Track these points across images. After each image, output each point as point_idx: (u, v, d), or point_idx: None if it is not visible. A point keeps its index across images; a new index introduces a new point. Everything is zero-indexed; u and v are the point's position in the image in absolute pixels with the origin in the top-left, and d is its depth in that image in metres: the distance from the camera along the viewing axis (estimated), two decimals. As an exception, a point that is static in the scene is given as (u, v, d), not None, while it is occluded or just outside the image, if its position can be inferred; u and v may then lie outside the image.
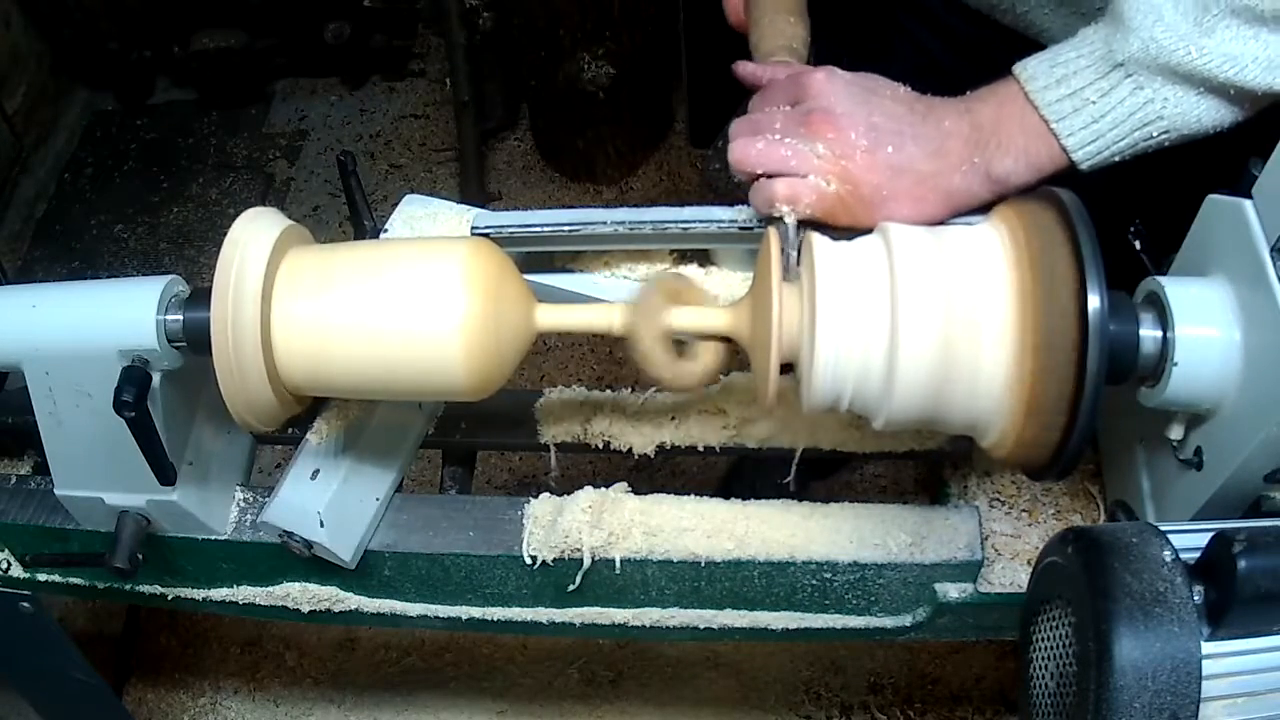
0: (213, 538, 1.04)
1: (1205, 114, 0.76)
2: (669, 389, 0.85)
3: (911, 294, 0.73)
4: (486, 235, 0.93)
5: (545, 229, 0.93)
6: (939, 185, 0.81)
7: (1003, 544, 1.01)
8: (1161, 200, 1.18)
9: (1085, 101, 0.77)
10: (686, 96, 2.61)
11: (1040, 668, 0.73)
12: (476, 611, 1.07)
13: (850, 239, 0.79)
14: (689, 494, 1.02)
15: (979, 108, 0.81)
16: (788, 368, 0.77)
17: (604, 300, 0.93)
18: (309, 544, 0.98)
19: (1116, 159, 0.80)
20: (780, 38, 0.92)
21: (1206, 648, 0.62)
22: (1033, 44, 0.99)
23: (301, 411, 0.89)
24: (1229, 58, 0.72)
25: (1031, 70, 0.80)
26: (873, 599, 1.01)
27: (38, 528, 1.07)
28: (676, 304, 0.81)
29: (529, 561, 1.00)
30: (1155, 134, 0.78)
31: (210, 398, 0.91)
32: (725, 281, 0.96)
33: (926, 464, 1.14)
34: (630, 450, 1.10)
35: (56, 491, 0.99)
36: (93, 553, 0.99)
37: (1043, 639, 0.73)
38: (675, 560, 0.99)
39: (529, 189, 2.61)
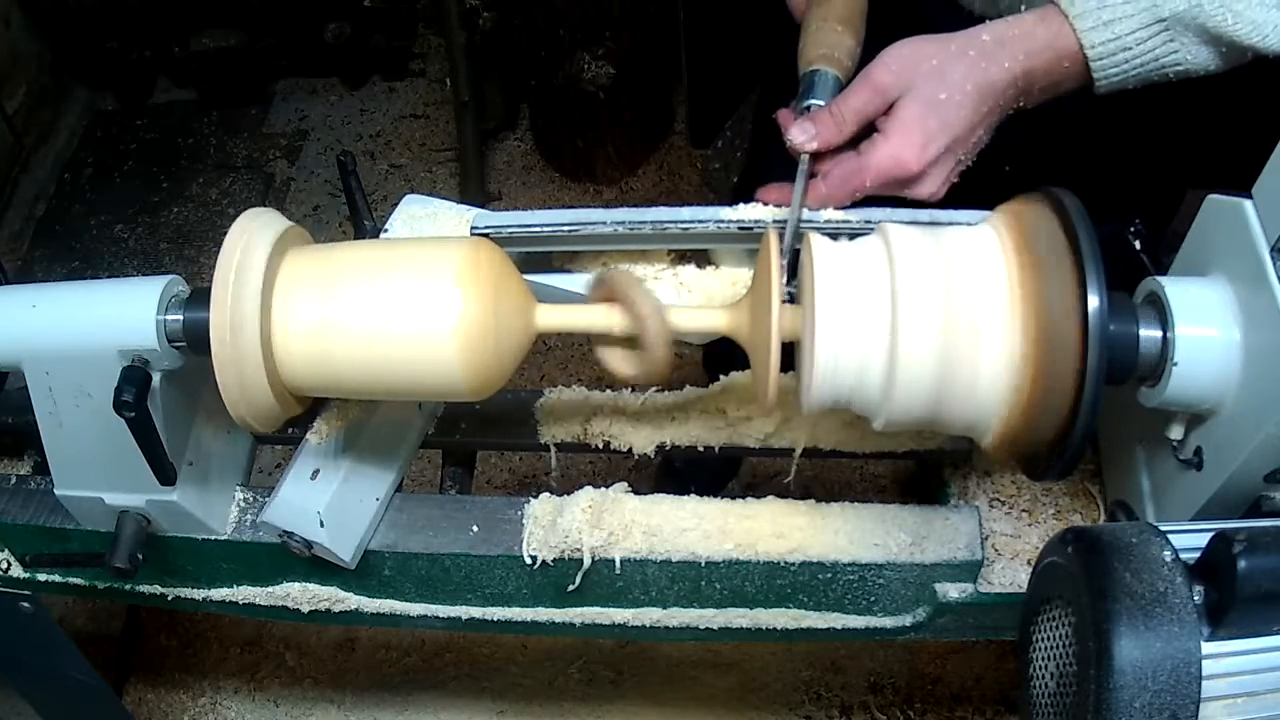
0: (213, 538, 1.04)
1: (1210, 64, 0.84)
2: (633, 382, 0.88)
3: (911, 295, 0.73)
4: (486, 235, 0.93)
5: (545, 229, 0.93)
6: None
7: (1003, 544, 1.01)
8: (1161, 200, 1.18)
9: (1123, 46, 0.83)
10: (686, 96, 2.61)
11: (1040, 668, 0.73)
12: (476, 611, 1.07)
13: (850, 239, 0.80)
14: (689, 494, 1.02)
15: (1035, 66, 0.85)
16: (788, 367, 0.77)
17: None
18: (309, 544, 0.98)
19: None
20: (822, 46, 0.91)
21: (1206, 648, 0.62)
22: None
23: (301, 412, 0.89)
24: (1255, 25, 0.80)
25: (1080, 8, 0.84)
26: (873, 599, 1.01)
27: (38, 528, 1.07)
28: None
29: (529, 561, 1.00)
30: (1167, 75, 0.85)
31: (210, 398, 0.91)
32: (725, 281, 0.96)
33: (926, 464, 1.14)
34: (630, 450, 1.10)
35: (56, 491, 0.99)
36: (93, 553, 0.99)
37: (1043, 639, 0.73)
38: (675, 560, 0.99)
39: (529, 189, 2.61)
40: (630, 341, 0.84)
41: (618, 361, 0.85)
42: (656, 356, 0.81)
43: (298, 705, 1.88)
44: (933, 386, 0.74)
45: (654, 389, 1.11)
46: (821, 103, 0.89)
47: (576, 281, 0.98)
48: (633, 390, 1.12)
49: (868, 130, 0.87)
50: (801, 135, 0.87)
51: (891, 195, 0.88)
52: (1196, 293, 0.80)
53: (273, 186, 2.72)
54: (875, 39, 0.93)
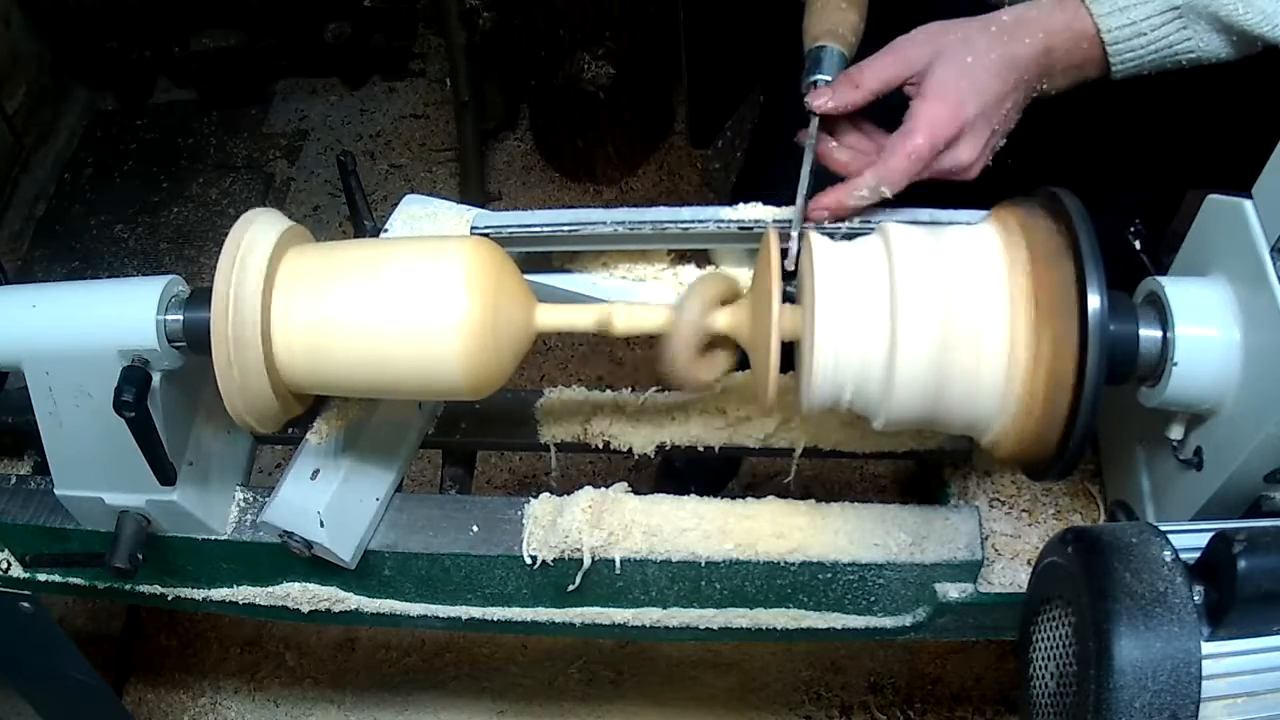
0: (213, 538, 1.04)
1: (1222, 51, 0.85)
2: (685, 389, 0.86)
3: (911, 295, 0.73)
4: (486, 235, 0.93)
5: (545, 229, 0.93)
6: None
7: (1003, 544, 1.01)
8: (1161, 199, 1.18)
9: (1139, 32, 0.85)
10: (686, 96, 2.61)
11: (1040, 668, 0.73)
12: (476, 611, 1.07)
13: (850, 239, 0.80)
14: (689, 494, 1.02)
15: (1055, 45, 0.86)
16: (788, 367, 0.77)
17: (603, 300, 0.93)
18: (309, 544, 0.98)
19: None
20: (827, 23, 0.92)
21: (1206, 648, 0.62)
22: None
23: (301, 412, 0.89)
24: (1265, 14, 0.82)
25: None
26: (873, 599, 1.01)
27: (38, 528, 1.07)
28: (719, 304, 0.82)
29: (529, 561, 1.00)
30: (1180, 63, 0.86)
31: (210, 398, 0.91)
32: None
33: (926, 464, 1.14)
34: (630, 450, 1.10)
35: (56, 491, 0.99)
36: (93, 553, 0.99)
37: (1043, 639, 0.73)
38: (675, 560, 0.99)
39: (529, 189, 2.61)
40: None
41: (689, 364, 0.82)
42: (668, 366, 0.81)
43: (298, 705, 1.88)
44: (932, 386, 0.74)
45: (654, 389, 1.12)
46: (828, 78, 0.90)
47: (576, 281, 0.98)
48: (632, 390, 1.12)
49: (894, 123, 0.87)
50: (819, 99, 0.88)
51: (930, 181, 0.88)
52: (1196, 293, 0.80)
53: (273, 186, 2.72)
54: (880, 20, 0.93)
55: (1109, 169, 1.08)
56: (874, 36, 0.92)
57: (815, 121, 0.88)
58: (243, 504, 1.06)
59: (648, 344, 2.23)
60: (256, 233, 0.81)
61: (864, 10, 0.94)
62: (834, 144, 0.90)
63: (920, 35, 0.87)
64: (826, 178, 0.89)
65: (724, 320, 0.82)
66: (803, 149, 0.90)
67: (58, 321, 0.88)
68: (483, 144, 2.59)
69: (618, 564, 0.99)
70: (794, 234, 0.85)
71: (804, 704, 1.82)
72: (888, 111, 0.88)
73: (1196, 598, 0.64)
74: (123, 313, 0.86)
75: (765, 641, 1.08)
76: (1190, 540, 0.67)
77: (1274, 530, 0.66)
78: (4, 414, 1.16)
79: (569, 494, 1.01)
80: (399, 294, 0.79)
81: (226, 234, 0.81)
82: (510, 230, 0.94)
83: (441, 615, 1.08)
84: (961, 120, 0.84)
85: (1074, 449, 0.72)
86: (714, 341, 0.83)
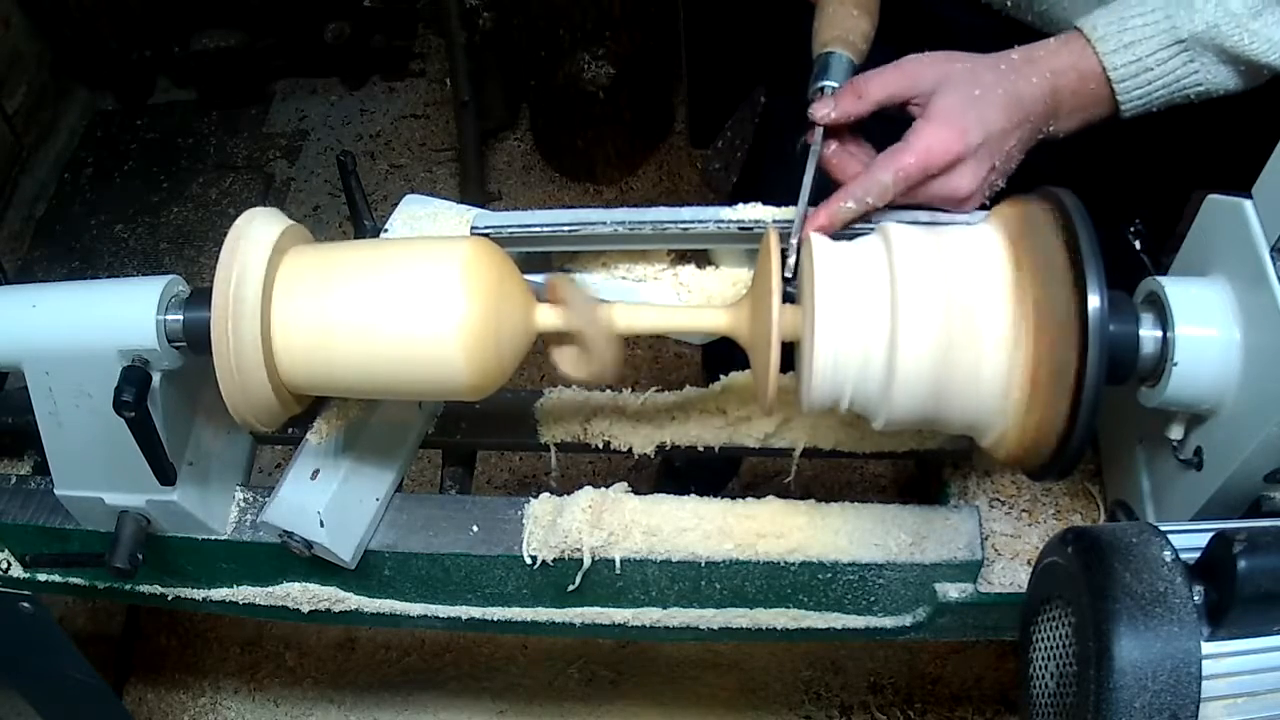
0: (213, 538, 1.04)
1: (1230, 82, 0.86)
2: (574, 382, 0.88)
3: (911, 295, 0.73)
4: (486, 235, 0.93)
5: (545, 229, 0.93)
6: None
7: (1003, 544, 1.01)
8: (1161, 200, 1.18)
9: (1144, 68, 0.84)
10: (686, 96, 2.62)
11: (1040, 668, 0.73)
12: (476, 611, 1.07)
13: (850, 239, 0.80)
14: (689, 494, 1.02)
15: (1062, 85, 0.86)
16: (788, 367, 0.77)
17: (603, 300, 0.93)
18: (309, 544, 0.98)
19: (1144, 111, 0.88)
20: (838, 28, 0.92)
21: (1206, 648, 0.62)
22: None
23: (301, 411, 0.89)
24: (1272, 43, 0.82)
25: (1102, 31, 0.84)
26: (873, 599, 1.01)
27: (38, 528, 1.07)
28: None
29: (529, 561, 1.00)
30: (1189, 97, 0.86)
31: (210, 398, 0.91)
32: (725, 281, 0.96)
33: (927, 464, 1.14)
34: (630, 450, 1.10)
35: (56, 491, 0.99)
36: (93, 553, 0.99)
37: (1043, 639, 0.73)
38: (675, 560, 0.99)
39: (529, 189, 2.61)
40: (582, 344, 0.84)
41: (568, 363, 0.86)
42: (603, 360, 0.83)
43: (298, 705, 1.88)
44: (932, 386, 0.74)
45: (654, 389, 1.12)
46: (835, 84, 0.90)
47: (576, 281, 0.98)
48: (633, 390, 1.12)
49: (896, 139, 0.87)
50: (822, 109, 0.88)
51: (924, 206, 0.87)
52: (1196, 293, 0.80)
53: (273, 186, 2.72)
54: (891, 26, 0.93)
55: (1111, 180, 1.08)
56: (885, 48, 0.92)
57: (820, 131, 0.88)
58: (243, 504, 1.06)
59: (648, 344, 2.24)
60: (256, 232, 0.81)
61: (875, 18, 0.94)
62: (835, 146, 0.89)
63: (928, 58, 0.87)
64: (829, 185, 0.89)
65: (723, 320, 0.82)
66: (801, 154, 0.89)
67: (58, 321, 0.88)
68: (483, 144, 2.59)
69: (618, 564, 0.99)
70: (793, 241, 0.84)
71: (804, 704, 1.81)
72: (892, 127, 0.88)
73: (1196, 598, 0.64)
74: (123, 313, 0.86)
75: (765, 641, 1.08)
76: (1190, 540, 0.67)
77: (1274, 530, 0.66)
78: (4, 414, 1.16)
79: (569, 494, 1.01)
80: (399, 294, 0.79)
81: (226, 234, 0.81)
82: (510, 230, 0.94)
83: (441, 615, 1.08)
84: (963, 146, 0.84)
85: (1074, 449, 0.72)
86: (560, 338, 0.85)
